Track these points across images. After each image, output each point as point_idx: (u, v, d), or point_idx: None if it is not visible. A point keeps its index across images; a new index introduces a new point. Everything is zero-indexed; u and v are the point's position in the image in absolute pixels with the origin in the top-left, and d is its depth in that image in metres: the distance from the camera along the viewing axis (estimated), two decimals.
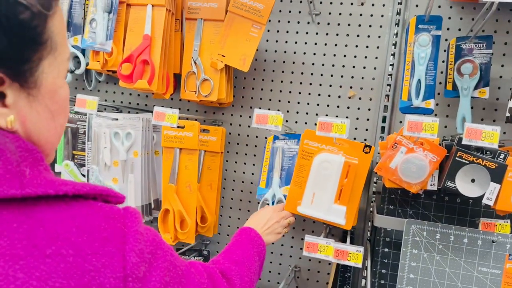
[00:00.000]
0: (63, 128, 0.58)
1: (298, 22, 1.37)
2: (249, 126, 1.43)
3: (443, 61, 1.23)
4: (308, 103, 1.38)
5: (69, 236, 0.49)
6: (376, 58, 1.31)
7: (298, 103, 1.39)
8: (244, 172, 1.44)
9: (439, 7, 1.24)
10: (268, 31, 1.38)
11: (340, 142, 1.10)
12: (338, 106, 1.36)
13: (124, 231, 0.53)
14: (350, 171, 1.08)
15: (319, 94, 1.37)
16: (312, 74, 1.37)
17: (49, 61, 0.51)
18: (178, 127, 1.20)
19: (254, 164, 1.43)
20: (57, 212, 0.50)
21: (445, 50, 1.23)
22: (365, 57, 1.32)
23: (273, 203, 1.23)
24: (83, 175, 1.34)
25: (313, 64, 1.37)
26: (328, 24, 1.34)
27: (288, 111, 1.39)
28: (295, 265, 1.43)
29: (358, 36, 1.32)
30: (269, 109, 1.17)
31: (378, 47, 1.31)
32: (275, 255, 1.44)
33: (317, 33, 1.35)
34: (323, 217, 1.08)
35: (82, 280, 0.48)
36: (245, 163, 1.44)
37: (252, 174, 1.43)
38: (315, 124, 1.19)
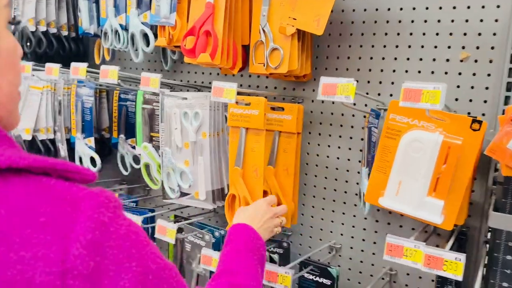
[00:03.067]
0: (14, 87, 0.50)
1: None
2: (333, 103, 1.22)
3: None
4: (406, 71, 1.11)
5: None
6: (498, 7, 0.98)
7: (394, 71, 1.13)
8: (328, 156, 1.25)
9: None
10: None
11: (438, 115, 0.84)
12: (446, 73, 1.07)
13: (73, 216, 0.42)
14: (450, 154, 0.82)
15: (420, 59, 1.09)
16: (411, 34, 1.10)
17: None
18: (244, 104, 1.08)
19: (339, 147, 1.22)
20: None
21: None
22: (482, 6, 1.00)
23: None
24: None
25: (412, 21, 1.09)
26: None
27: (380, 82, 1.15)
28: (390, 267, 1.19)
29: None
30: (357, 81, 0.96)
31: None
32: (366, 253, 1.22)
33: None
34: (411, 212, 0.84)
35: (5, 274, 0.38)
36: (329, 146, 1.24)
37: (338, 158, 1.23)
38: None
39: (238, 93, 1.02)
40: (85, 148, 1.45)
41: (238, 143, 1.09)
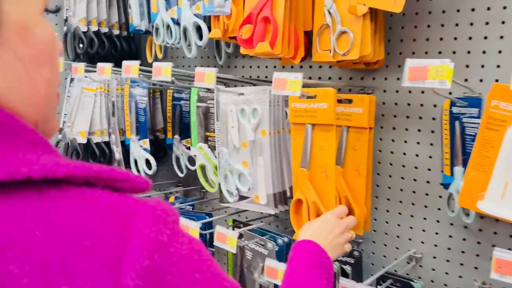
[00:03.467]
0: (51, 87, 0.41)
1: None
2: (410, 92, 1.07)
3: None
4: (499, 51, 0.94)
5: (27, 244, 0.31)
6: None
7: (484, 52, 0.96)
8: (404, 154, 1.10)
9: None
10: None
11: None
12: None
13: (125, 237, 0.33)
14: None
15: None
16: (504, 7, 0.93)
17: None
18: (308, 97, 0.95)
19: (418, 143, 1.07)
20: (15, 206, 0.33)
21: None
22: None
23: None
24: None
25: None
26: None
27: (467, 66, 0.98)
28: (483, 281, 1.02)
29: None
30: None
31: None
32: (452, 264, 1.05)
33: None
34: None
35: None
36: (405, 142, 1.09)
37: (417, 155, 1.07)
38: None
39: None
40: (140, 150, 1.39)
41: (304, 141, 0.97)
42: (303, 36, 1.04)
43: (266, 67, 1.35)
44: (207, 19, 1.17)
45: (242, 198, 1.15)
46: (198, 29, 1.18)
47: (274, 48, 0.96)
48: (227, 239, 1.03)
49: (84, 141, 1.50)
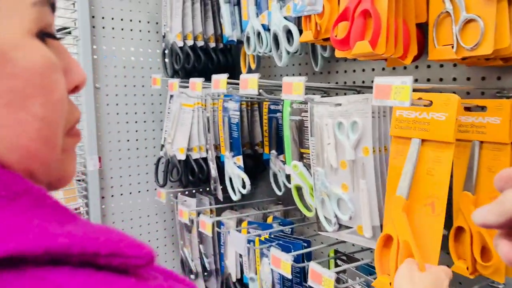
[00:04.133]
0: (51, 125, 0.31)
1: None
2: None
3: None
4: None
5: None
6: None
7: None
8: None
9: None
10: None
11: None
12: None
13: None
14: None
15: None
16: None
17: None
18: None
19: None
20: None
21: None
22: None
23: None
24: None
25: None
26: None
27: None
28: None
29: None
30: None
31: None
32: None
33: None
34: None
35: None
36: None
37: None
38: None
39: (414, 90, 0.70)
40: (234, 167, 1.31)
41: (406, 161, 0.77)
42: (415, 30, 0.83)
43: (373, 70, 1.16)
44: (299, 21, 1.03)
45: (343, 225, 0.98)
46: (290, 34, 1.04)
47: (376, 48, 0.77)
48: (322, 279, 0.86)
49: (183, 157, 1.48)
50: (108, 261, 0.27)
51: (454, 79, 0.96)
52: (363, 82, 1.19)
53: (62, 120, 0.34)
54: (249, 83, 0.98)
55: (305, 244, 1.15)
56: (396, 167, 0.79)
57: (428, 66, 1.01)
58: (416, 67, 1.03)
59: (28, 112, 0.30)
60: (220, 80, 1.10)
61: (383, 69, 1.12)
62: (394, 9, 0.78)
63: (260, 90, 0.99)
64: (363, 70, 1.18)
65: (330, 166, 0.96)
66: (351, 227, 0.95)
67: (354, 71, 1.21)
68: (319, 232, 1.04)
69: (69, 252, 0.26)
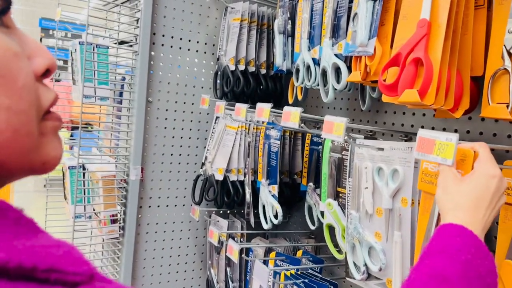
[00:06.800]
0: (14, 113, 0.32)
1: None
2: None
3: None
4: None
5: None
6: None
7: None
8: None
9: None
10: None
11: None
12: None
13: None
14: None
15: None
16: None
17: None
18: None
19: None
20: None
21: None
22: None
23: None
24: None
25: None
26: None
27: None
28: None
29: None
30: None
31: None
32: None
33: None
34: None
35: None
36: None
37: None
38: None
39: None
40: (268, 196, 1.30)
41: (430, 217, 0.72)
42: (469, 83, 0.79)
43: (424, 115, 1.11)
44: (349, 59, 1.02)
45: (372, 275, 0.94)
46: (339, 71, 1.03)
47: (425, 98, 0.74)
48: None
49: (221, 178, 1.49)
50: (46, 275, 0.28)
51: (509, 136, 0.90)
52: (412, 126, 1.15)
53: (32, 106, 0.34)
54: (291, 116, 0.98)
55: (332, 287, 1.11)
56: (424, 224, 0.74)
57: (482, 119, 0.95)
58: (470, 118, 0.98)
59: None
60: (264, 109, 1.11)
61: (434, 115, 1.08)
62: (448, 59, 0.75)
63: (302, 124, 0.98)
64: (413, 114, 1.14)
65: (365, 211, 0.93)
66: (381, 279, 0.91)
67: (404, 113, 1.17)
68: (347, 278, 1.00)
69: (6, 266, 0.27)
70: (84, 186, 1.58)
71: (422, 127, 1.12)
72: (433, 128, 1.07)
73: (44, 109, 0.36)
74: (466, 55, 0.79)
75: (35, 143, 0.35)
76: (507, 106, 0.70)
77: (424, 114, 1.12)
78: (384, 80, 0.82)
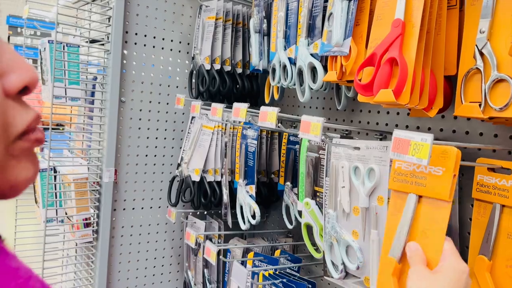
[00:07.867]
0: None
1: None
2: None
3: None
4: None
5: None
6: None
7: None
8: None
9: None
10: None
11: None
12: None
13: None
14: None
15: None
16: None
17: None
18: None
19: None
20: None
21: None
22: None
23: None
24: None
25: None
26: None
27: None
28: None
29: None
30: None
31: None
32: None
33: None
34: None
35: None
36: None
37: None
38: None
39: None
40: (246, 196, 1.29)
41: (402, 218, 0.73)
42: (442, 83, 0.81)
43: (398, 113, 1.13)
44: (325, 58, 1.02)
45: (351, 274, 0.94)
46: (315, 71, 1.03)
47: (400, 98, 0.75)
48: None
49: (197, 179, 1.47)
50: None
51: (481, 134, 0.92)
52: (387, 124, 1.16)
53: (16, 125, 0.32)
54: (268, 116, 0.97)
55: (310, 286, 1.11)
56: (392, 224, 0.75)
57: (455, 118, 0.97)
58: (443, 116, 1.00)
59: None
60: (240, 108, 1.10)
61: (409, 113, 1.09)
62: (422, 59, 0.76)
63: (279, 124, 0.98)
64: (388, 112, 1.15)
65: (343, 210, 0.93)
66: (358, 278, 0.91)
67: (379, 112, 1.18)
68: (325, 277, 1.00)
69: None
70: (55, 189, 1.53)
71: (397, 125, 1.14)
72: (407, 127, 1.09)
73: (17, 131, 0.33)
74: (440, 55, 0.80)
75: (3, 164, 0.32)
76: (480, 105, 0.72)
77: (398, 113, 1.13)
78: (360, 80, 0.83)
